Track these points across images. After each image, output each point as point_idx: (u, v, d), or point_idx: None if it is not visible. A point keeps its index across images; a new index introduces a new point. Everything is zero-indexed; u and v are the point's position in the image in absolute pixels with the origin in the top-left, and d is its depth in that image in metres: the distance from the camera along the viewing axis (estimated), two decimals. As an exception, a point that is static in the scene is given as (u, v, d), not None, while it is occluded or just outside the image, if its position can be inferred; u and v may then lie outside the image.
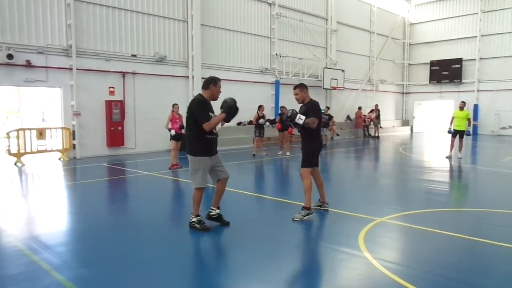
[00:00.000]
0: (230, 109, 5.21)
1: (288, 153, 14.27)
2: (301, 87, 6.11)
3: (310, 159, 6.09)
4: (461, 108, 13.34)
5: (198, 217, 5.47)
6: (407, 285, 3.78)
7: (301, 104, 6.18)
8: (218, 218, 5.68)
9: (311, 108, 5.96)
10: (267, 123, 14.01)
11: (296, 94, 6.11)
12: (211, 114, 5.30)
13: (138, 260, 4.43)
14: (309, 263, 4.56)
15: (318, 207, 6.46)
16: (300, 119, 5.74)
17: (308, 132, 5.97)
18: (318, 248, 4.84)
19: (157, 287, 3.82)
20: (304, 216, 5.88)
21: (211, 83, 5.38)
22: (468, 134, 13.23)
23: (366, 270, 4.16)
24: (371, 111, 24.50)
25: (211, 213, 5.68)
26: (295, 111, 5.89)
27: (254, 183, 10.12)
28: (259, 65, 19.54)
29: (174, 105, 11.06)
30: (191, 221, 5.51)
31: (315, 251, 4.77)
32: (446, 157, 13.40)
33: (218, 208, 5.70)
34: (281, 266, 4.38)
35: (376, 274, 4.07)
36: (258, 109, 14.13)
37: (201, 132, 5.23)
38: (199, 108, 5.25)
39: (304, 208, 5.95)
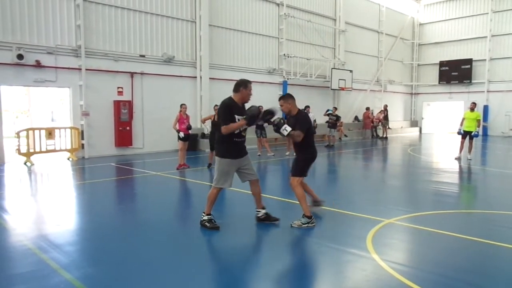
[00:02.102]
0: (252, 117, 5.31)
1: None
2: (285, 98, 5.77)
3: (302, 169, 5.87)
4: (472, 109, 13.19)
5: (209, 216, 5.56)
6: (415, 286, 3.75)
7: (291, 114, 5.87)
8: (267, 217, 5.79)
9: (300, 120, 5.65)
10: (266, 123, 14.00)
11: (281, 105, 5.80)
12: (238, 117, 5.34)
13: (146, 260, 4.45)
14: (316, 264, 4.54)
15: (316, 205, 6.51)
16: (286, 130, 5.42)
17: (299, 142, 5.70)
18: (326, 249, 4.82)
19: (164, 287, 3.83)
20: (304, 223, 5.62)
21: (241, 86, 5.43)
22: (476, 136, 13.03)
23: (374, 272, 4.14)
24: (380, 111, 24.39)
25: (258, 215, 5.81)
26: (283, 120, 5.60)
27: (260, 183, 10.09)
28: (267, 66, 19.54)
29: (182, 105, 11.06)
30: (202, 219, 5.58)
31: (322, 252, 4.75)
32: (455, 159, 13.28)
33: (263, 208, 5.81)
34: (289, 266, 4.37)
35: (384, 275, 4.04)
36: None
37: (229, 135, 5.33)
38: (224, 110, 5.36)
39: (304, 216, 5.68)
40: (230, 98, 5.49)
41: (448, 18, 28.02)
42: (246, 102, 5.53)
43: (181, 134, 10.86)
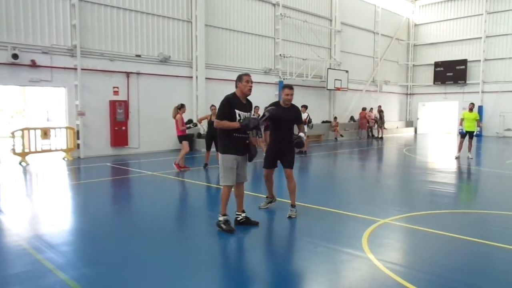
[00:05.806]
0: (245, 126, 5.21)
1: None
2: (293, 88, 6.23)
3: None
4: (471, 110, 13.45)
5: (225, 217, 5.39)
6: (410, 286, 3.76)
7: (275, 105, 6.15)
8: (246, 221, 5.65)
9: (299, 112, 6.39)
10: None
11: (292, 95, 6.12)
12: (240, 112, 5.27)
13: (142, 260, 4.44)
14: (312, 264, 4.55)
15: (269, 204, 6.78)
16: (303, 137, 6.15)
17: (291, 134, 6.13)
18: (321, 249, 4.83)
19: (160, 287, 3.83)
20: (296, 212, 6.19)
21: (237, 81, 5.40)
22: (477, 135, 13.43)
23: (369, 271, 4.16)
24: (371, 110, 24.53)
25: (238, 218, 5.66)
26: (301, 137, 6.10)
27: (254, 183, 10.09)
28: (263, 66, 19.55)
29: (183, 106, 10.88)
30: (218, 220, 5.44)
31: (318, 252, 4.76)
32: (456, 158, 13.45)
33: (243, 211, 5.68)
34: (285, 266, 4.38)
35: (379, 275, 4.06)
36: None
37: (229, 130, 5.26)
38: (223, 103, 5.31)
39: (294, 206, 6.23)
40: (233, 93, 5.41)
41: (443, 19, 28.17)
42: (248, 94, 5.40)
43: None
